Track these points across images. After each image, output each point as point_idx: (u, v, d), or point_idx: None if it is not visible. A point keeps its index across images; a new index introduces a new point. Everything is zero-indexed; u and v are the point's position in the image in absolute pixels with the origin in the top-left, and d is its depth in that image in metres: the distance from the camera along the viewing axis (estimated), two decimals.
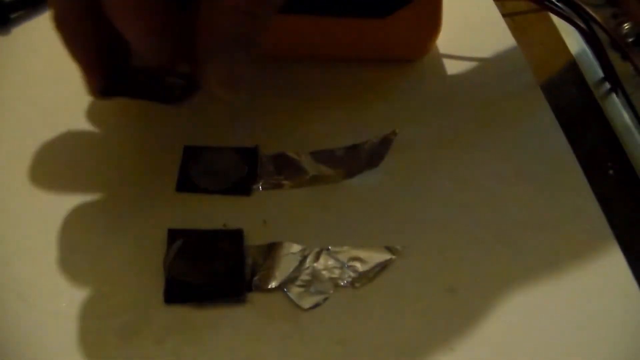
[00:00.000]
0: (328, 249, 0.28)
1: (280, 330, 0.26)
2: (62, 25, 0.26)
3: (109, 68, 0.28)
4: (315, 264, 0.27)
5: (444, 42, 0.35)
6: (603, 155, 0.34)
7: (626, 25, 0.38)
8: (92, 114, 0.32)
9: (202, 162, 0.30)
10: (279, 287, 0.27)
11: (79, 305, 0.26)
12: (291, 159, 0.31)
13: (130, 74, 0.28)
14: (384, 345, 0.26)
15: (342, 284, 0.27)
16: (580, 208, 0.30)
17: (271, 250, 0.28)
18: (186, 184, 0.30)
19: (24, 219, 0.28)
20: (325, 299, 0.27)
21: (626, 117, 0.35)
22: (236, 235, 0.28)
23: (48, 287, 0.26)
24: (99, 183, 0.29)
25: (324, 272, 0.27)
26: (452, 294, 0.27)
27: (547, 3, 0.36)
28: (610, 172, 0.33)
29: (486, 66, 0.36)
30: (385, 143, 0.32)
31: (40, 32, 0.35)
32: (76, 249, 0.27)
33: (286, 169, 0.30)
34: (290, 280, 0.27)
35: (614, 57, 0.36)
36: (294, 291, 0.27)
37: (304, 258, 0.28)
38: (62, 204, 0.28)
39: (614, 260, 0.28)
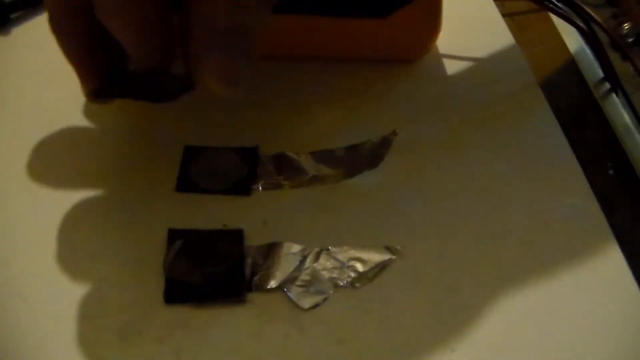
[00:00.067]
0: (328, 249, 0.28)
1: (280, 330, 0.26)
2: (57, 27, 0.26)
3: (103, 70, 0.28)
4: (315, 264, 0.27)
5: (443, 42, 0.35)
6: (603, 155, 0.34)
7: (626, 25, 0.38)
8: (92, 114, 0.32)
9: (202, 162, 0.30)
10: (279, 287, 0.27)
11: (79, 305, 0.26)
12: (291, 159, 0.31)
13: (124, 75, 0.28)
14: (384, 345, 0.26)
15: (342, 284, 0.27)
16: (580, 208, 0.30)
17: (271, 250, 0.28)
18: (186, 184, 0.30)
19: (23, 219, 0.28)
20: (325, 299, 0.27)
21: (626, 117, 0.35)
22: (236, 235, 0.28)
23: (48, 287, 0.26)
24: (99, 183, 0.29)
25: (323, 272, 0.27)
26: (452, 294, 0.27)
27: (547, 3, 0.36)
28: (610, 172, 0.33)
29: (486, 66, 0.36)
30: (385, 143, 0.32)
31: (40, 32, 0.34)
32: (76, 249, 0.27)
33: (286, 169, 0.30)
34: (290, 280, 0.27)
35: (614, 57, 0.36)
36: (294, 291, 0.27)
37: (304, 258, 0.28)
38: (62, 204, 0.28)
39: (614, 260, 0.28)
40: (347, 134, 0.32)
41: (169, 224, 0.28)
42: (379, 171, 0.31)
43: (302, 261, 0.27)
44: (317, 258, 0.28)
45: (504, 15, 0.38)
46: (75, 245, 0.27)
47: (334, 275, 0.27)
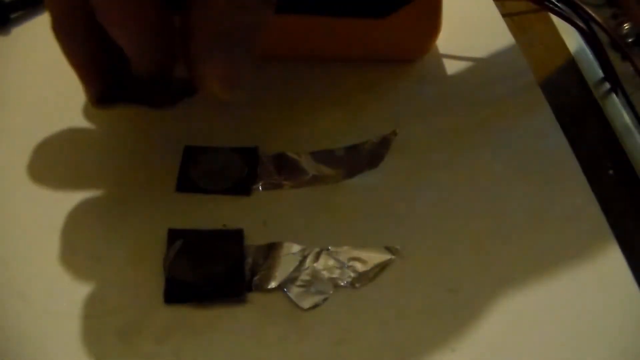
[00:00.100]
0: (328, 249, 0.28)
1: (280, 330, 0.26)
2: (59, 32, 0.26)
3: (105, 73, 0.28)
4: (315, 264, 0.27)
5: (443, 42, 0.35)
6: (603, 155, 0.34)
7: (626, 25, 0.38)
8: (92, 114, 0.32)
9: (202, 162, 0.30)
10: (279, 287, 0.27)
11: (79, 305, 0.26)
12: (291, 159, 0.31)
13: (127, 80, 0.28)
14: (384, 345, 0.26)
15: (342, 284, 0.27)
16: (580, 208, 0.30)
17: (271, 250, 0.28)
18: (186, 184, 0.30)
19: (23, 219, 0.28)
20: (325, 299, 0.27)
21: (626, 117, 0.35)
22: (236, 235, 0.28)
23: (48, 287, 0.26)
24: (99, 183, 0.29)
25: (323, 272, 0.27)
26: (452, 294, 0.27)
27: (547, 3, 0.36)
28: (610, 172, 0.33)
29: (486, 66, 0.36)
30: (385, 143, 0.32)
31: (40, 32, 0.35)
32: (76, 249, 0.27)
33: (286, 169, 0.30)
34: (290, 280, 0.27)
35: (614, 57, 0.36)
36: (294, 291, 0.27)
37: (304, 258, 0.28)
38: (62, 204, 0.28)
39: (614, 260, 0.28)
40: (347, 134, 0.32)
41: (169, 224, 0.28)
42: (379, 171, 0.31)
43: (302, 261, 0.27)
44: (317, 258, 0.28)
45: (504, 15, 0.38)
46: (75, 245, 0.27)
47: (334, 275, 0.27)
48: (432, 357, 0.25)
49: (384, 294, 0.27)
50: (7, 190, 0.29)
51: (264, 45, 0.25)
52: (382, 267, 0.28)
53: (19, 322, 0.25)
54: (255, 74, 0.26)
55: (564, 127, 0.33)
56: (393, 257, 0.28)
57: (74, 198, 0.29)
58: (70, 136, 0.31)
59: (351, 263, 0.28)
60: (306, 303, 0.26)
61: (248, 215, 0.29)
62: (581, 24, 0.36)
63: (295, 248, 0.28)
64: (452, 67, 0.35)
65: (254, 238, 0.28)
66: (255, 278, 0.27)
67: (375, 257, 0.28)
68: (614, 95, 0.36)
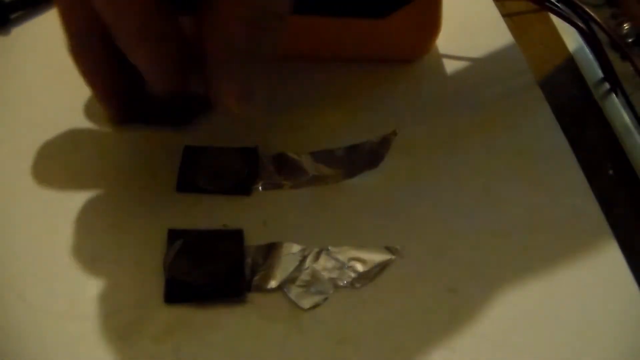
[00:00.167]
0: (328, 249, 0.28)
1: (280, 330, 0.26)
2: (78, 56, 0.26)
3: (125, 96, 0.28)
4: (315, 264, 0.27)
5: (443, 42, 0.35)
6: (603, 155, 0.34)
7: (626, 25, 0.38)
8: (92, 114, 0.32)
9: (202, 162, 0.30)
10: (279, 287, 0.27)
11: (79, 305, 0.26)
12: (291, 159, 0.31)
13: (144, 99, 0.29)
14: (384, 345, 0.26)
15: (342, 284, 0.27)
16: (580, 208, 0.30)
17: (271, 250, 0.28)
18: (186, 184, 0.30)
19: (23, 219, 0.28)
20: (325, 299, 0.27)
21: (626, 117, 0.35)
22: (236, 235, 0.28)
23: (48, 287, 0.26)
24: (99, 183, 0.29)
25: (323, 273, 0.27)
26: (452, 294, 0.27)
27: (547, 3, 0.36)
28: (610, 172, 0.33)
29: (486, 66, 0.36)
30: (385, 143, 0.32)
31: (40, 32, 0.35)
32: (76, 249, 0.27)
33: (286, 169, 0.30)
34: (290, 281, 0.27)
35: (613, 57, 0.36)
36: (294, 291, 0.27)
37: (304, 258, 0.28)
38: (62, 204, 0.28)
39: (614, 260, 0.28)
40: (347, 134, 0.32)
41: (169, 224, 0.28)
42: (379, 171, 0.31)
43: (302, 261, 0.27)
44: (317, 258, 0.28)
45: (504, 15, 0.38)
46: (75, 245, 0.27)
47: (334, 275, 0.27)
48: (432, 357, 0.25)
49: (384, 294, 0.27)
50: (7, 191, 0.29)
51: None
52: (382, 267, 0.28)
53: (19, 322, 0.25)
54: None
55: (564, 127, 0.33)
56: (393, 257, 0.28)
57: (74, 198, 0.29)
58: (70, 136, 0.31)
59: (351, 263, 0.28)
60: (306, 303, 0.26)
61: (248, 215, 0.29)
62: (581, 24, 0.36)
63: (295, 248, 0.28)
64: (452, 67, 0.35)
65: (254, 238, 0.28)
66: (255, 278, 0.27)
67: (375, 257, 0.28)
68: (613, 95, 0.36)
